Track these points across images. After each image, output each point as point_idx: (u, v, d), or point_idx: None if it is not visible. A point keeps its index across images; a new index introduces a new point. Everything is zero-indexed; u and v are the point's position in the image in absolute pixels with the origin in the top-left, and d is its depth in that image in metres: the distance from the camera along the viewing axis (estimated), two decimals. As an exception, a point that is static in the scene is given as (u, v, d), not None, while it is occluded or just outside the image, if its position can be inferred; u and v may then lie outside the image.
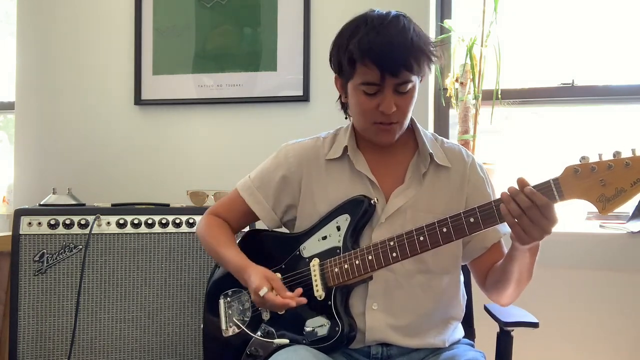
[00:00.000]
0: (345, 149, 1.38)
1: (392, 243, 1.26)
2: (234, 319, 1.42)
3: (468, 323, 1.56)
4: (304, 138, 1.47)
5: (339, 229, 1.34)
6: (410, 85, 1.27)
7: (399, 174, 1.38)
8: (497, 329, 1.48)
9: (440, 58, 1.33)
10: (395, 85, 1.25)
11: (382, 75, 1.23)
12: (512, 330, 1.45)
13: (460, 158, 1.41)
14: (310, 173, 1.41)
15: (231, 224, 1.50)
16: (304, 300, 1.28)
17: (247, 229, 1.92)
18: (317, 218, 1.38)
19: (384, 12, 1.29)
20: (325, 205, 1.37)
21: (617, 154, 1.12)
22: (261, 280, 1.28)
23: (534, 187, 1.15)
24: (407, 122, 1.35)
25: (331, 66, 1.36)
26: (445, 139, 1.45)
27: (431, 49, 1.28)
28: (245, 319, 1.40)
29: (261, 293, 1.25)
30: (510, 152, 2.36)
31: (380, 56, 1.22)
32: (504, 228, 1.38)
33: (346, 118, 1.44)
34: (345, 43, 1.28)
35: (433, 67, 1.33)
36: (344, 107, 1.42)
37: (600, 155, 1.13)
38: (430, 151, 1.36)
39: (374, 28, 1.24)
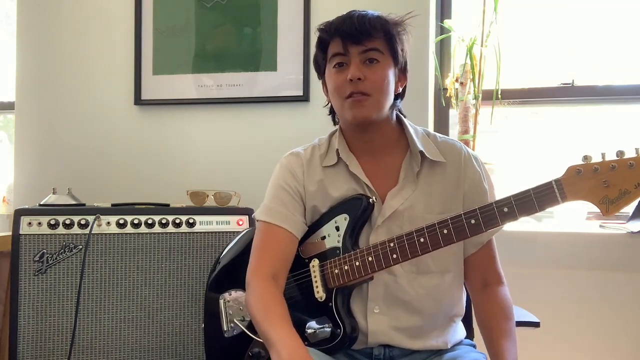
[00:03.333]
0: (337, 152, 1.37)
1: (392, 244, 1.25)
2: (234, 319, 1.41)
3: (468, 322, 1.55)
4: (300, 147, 1.46)
5: (338, 229, 1.33)
6: (376, 55, 1.30)
7: (392, 175, 1.36)
8: (497, 329, 1.47)
9: (399, 28, 1.34)
10: (360, 55, 1.30)
11: (344, 44, 1.30)
12: (512, 330, 1.44)
13: (454, 151, 1.38)
14: (310, 180, 1.39)
15: (278, 268, 1.33)
16: None
17: (246, 226, 1.93)
18: (317, 218, 1.38)
19: None
20: (327, 206, 1.37)
21: (620, 153, 1.10)
22: None
23: (535, 187, 1.14)
24: (383, 101, 1.32)
25: (316, 72, 1.43)
26: (438, 134, 1.42)
27: (393, 22, 1.33)
28: (246, 319, 1.40)
29: None
30: (510, 152, 2.36)
31: (339, 27, 1.31)
32: None
33: (335, 123, 1.45)
34: (318, 34, 1.37)
35: (401, 45, 1.34)
36: (332, 110, 1.44)
37: (603, 155, 1.11)
38: (421, 149, 1.34)
39: (340, 16, 1.34)
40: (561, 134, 2.33)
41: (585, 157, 1.12)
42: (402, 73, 1.37)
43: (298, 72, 2.33)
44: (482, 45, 2.17)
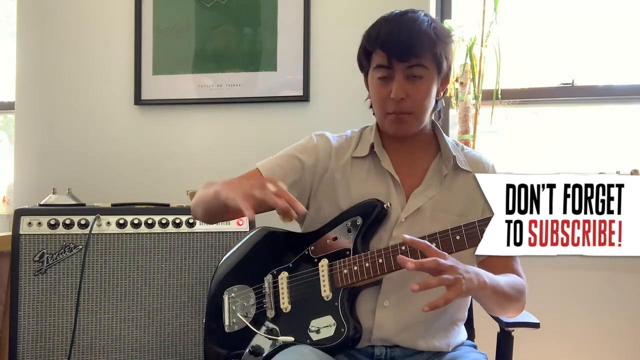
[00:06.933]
0: (372, 146, 1.40)
1: (403, 248, 1.26)
2: (237, 314, 1.42)
3: (469, 323, 1.55)
4: (334, 135, 1.47)
5: (350, 230, 1.34)
6: (421, 72, 1.29)
7: (419, 175, 1.39)
8: (498, 329, 1.48)
9: (447, 48, 1.33)
10: (405, 71, 1.29)
11: (389, 59, 1.28)
12: (513, 330, 1.45)
13: (480, 165, 1.42)
14: (336, 168, 1.40)
15: None
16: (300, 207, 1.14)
17: (246, 226, 1.93)
18: (336, 213, 1.38)
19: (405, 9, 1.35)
20: (346, 202, 1.38)
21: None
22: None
23: None
24: (423, 117, 1.35)
25: (359, 69, 1.42)
26: (465, 146, 1.47)
27: (441, 37, 1.31)
28: (250, 315, 1.40)
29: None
30: (510, 152, 2.36)
31: (386, 41, 1.29)
32: None
33: (374, 114, 1.45)
34: (362, 38, 1.36)
35: (446, 57, 1.33)
36: (372, 105, 1.44)
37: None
38: (454, 154, 1.38)
39: (386, 20, 1.32)
40: (561, 134, 2.33)
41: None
42: (446, 78, 1.38)
43: (298, 72, 2.33)
44: (482, 45, 2.17)
